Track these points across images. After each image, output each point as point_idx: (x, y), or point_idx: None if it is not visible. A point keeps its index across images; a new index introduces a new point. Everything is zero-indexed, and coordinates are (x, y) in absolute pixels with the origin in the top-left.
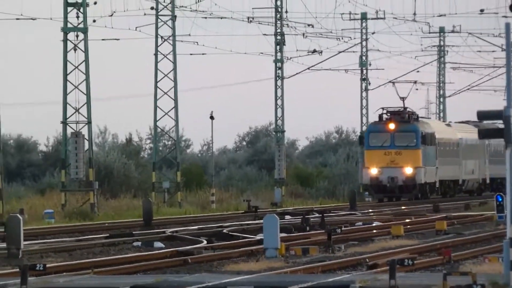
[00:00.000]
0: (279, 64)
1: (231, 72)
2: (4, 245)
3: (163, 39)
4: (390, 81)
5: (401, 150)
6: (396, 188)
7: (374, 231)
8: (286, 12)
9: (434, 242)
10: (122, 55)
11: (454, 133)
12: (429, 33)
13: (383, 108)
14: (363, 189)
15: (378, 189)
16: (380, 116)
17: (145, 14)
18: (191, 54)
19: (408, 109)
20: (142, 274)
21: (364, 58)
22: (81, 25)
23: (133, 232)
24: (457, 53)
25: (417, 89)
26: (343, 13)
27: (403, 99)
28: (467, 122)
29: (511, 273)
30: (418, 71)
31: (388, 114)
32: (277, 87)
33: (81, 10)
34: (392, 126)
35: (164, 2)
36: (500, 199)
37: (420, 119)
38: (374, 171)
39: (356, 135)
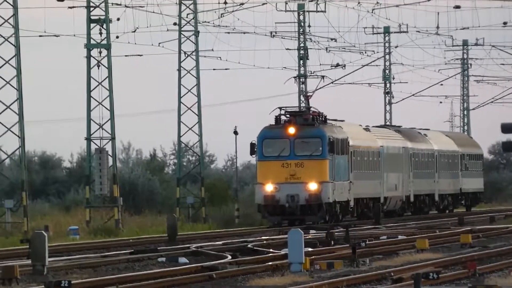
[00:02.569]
0: (302, 79)
1: (254, 86)
2: (29, 262)
3: (186, 55)
4: (413, 94)
5: (303, 161)
6: (297, 209)
7: (399, 244)
8: (309, 26)
9: (459, 256)
10: (146, 71)
11: (374, 140)
12: (452, 46)
13: (280, 108)
14: (258, 210)
15: (274, 211)
16: (277, 118)
17: (168, 29)
18: (214, 69)
19: (312, 109)
20: None
21: (387, 71)
22: (104, 42)
23: (158, 248)
24: (480, 66)
25: (441, 102)
26: (366, 27)
27: (307, 96)
28: (385, 126)
29: None
30: (441, 84)
31: (287, 116)
32: (301, 101)
33: (104, 26)
34: (291, 130)
35: (187, 17)
36: None
37: (329, 122)
38: (269, 187)
39: None
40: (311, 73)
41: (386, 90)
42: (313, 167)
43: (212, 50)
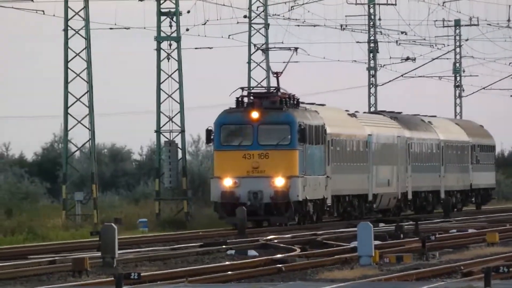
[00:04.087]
0: (372, 72)
1: (324, 79)
2: (99, 254)
3: (256, 47)
4: (483, 88)
5: (268, 151)
6: (260, 208)
7: (469, 238)
8: (379, 19)
9: None
10: (215, 64)
11: (360, 127)
12: None
13: (242, 88)
14: (214, 210)
15: (233, 210)
16: (239, 100)
17: (238, 22)
18: (284, 62)
19: (282, 90)
20: (236, 283)
21: (457, 65)
22: (174, 34)
23: (227, 241)
24: None
25: (511, 96)
26: (436, 20)
27: (276, 74)
28: (380, 112)
29: None
30: None
31: (251, 98)
32: (371, 94)
33: (174, 19)
34: (255, 115)
35: (257, 10)
36: None
37: (303, 105)
38: (227, 182)
39: None
40: (381, 66)
41: (457, 84)
42: (280, 158)
43: (282, 43)
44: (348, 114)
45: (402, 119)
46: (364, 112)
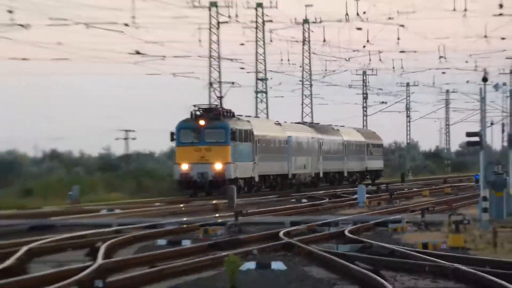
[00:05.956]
0: (365, 108)
1: (342, 112)
2: (226, 201)
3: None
4: (421, 117)
5: (211, 147)
6: (206, 183)
7: (413, 193)
8: (368, 82)
9: (444, 199)
10: (286, 107)
11: (282, 131)
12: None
13: (195, 106)
14: (177, 185)
15: (188, 185)
16: (191, 113)
17: (296, 83)
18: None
19: (222, 108)
20: (294, 216)
21: (408, 104)
22: (264, 89)
23: (291, 194)
24: None
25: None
26: (397, 83)
27: (220, 98)
28: (303, 123)
29: (482, 214)
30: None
31: (200, 111)
32: (364, 120)
33: (264, 82)
34: (202, 122)
35: (306, 77)
36: (477, 177)
37: (236, 116)
38: (184, 167)
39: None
40: (369, 106)
41: (407, 114)
42: (219, 151)
43: (319, 94)
44: (275, 123)
45: (317, 127)
46: (292, 123)
